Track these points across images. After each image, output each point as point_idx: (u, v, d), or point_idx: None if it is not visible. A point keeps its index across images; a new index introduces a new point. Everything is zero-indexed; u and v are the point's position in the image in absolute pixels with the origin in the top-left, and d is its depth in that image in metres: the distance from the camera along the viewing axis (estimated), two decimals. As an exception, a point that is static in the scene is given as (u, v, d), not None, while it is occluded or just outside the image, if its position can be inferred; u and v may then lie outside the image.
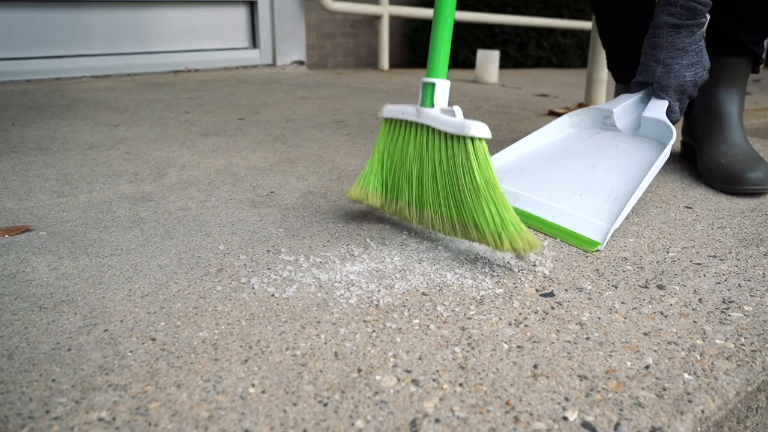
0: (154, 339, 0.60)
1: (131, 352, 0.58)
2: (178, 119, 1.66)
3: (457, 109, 0.79)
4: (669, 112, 1.03)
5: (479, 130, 0.75)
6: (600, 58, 1.80)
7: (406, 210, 0.86)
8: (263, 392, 0.53)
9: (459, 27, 4.58)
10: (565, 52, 4.74)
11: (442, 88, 0.82)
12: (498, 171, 1.06)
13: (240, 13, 2.91)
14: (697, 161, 1.17)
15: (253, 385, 0.54)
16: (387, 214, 0.92)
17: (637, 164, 0.97)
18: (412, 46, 5.00)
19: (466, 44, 4.57)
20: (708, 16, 1.00)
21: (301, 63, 3.05)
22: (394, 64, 4.79)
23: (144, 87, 2.25)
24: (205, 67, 2.79)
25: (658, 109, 1.03)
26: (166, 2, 2.69)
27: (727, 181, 1.07)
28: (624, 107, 1.08)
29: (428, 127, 0.82)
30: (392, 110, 0.87)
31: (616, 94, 1.37)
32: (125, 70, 2.58)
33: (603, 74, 1.82)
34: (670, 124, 0.99)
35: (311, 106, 1.92)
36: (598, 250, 0.83)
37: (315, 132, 1.53)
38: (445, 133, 0.79)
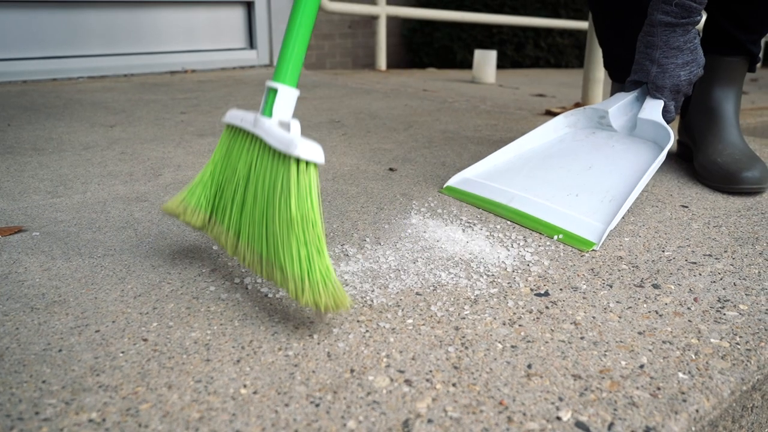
0: (146, 339, 0.60)
1: (123, 352, 0.58)
2: (174, 119, 1.66)
3: (294, 122, 0.64)
4: (664, 112, 1.03)
5: (309, 151, 0.61)
6: (597, 58, 1.80)
7: (223, 236, 0.72)
8: (255, 393, 0.52)
9: (457, 27, 4.58)
10: (563, 53, 4.74)
11: (286, 96, 0.68)
12: (494, 171, 1.06)
13: (237, 14, 2.91)
14: (694, 160, 1.17)
15: (244, 386, 0.53)
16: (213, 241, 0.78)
17: (633, 165, 0.96)
18: (409, 46, 5.00)
19: (464, 44, 4.57)
20: (704, 15, 0.99)
21: (298, 63, 3.05)
22: (392, 64, 4.79)
23: (141, 87, 2.24)
24: (203, 67, 2.79)
25: (653, 109, 1.03)
26: (163, 3, 2.68)
27: (723, 180, 1.07)
28: (619, 107, 1.08)
29: (260, 140, 0.68)
30: (233, 116, 0.73)
31: (612, 94, 1.37)
32: (122, 70, 2.58)
33: (600, 74, 1.82)
34: (668, 127, 0.98)
35: (308, 106, 1.92)
36: (593, 250, 0.83)
37: (311, 132, 1.53)
38: (274, 150, 0.65)
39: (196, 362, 0.57)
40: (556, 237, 0.86)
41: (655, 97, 1.04)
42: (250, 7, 2.92)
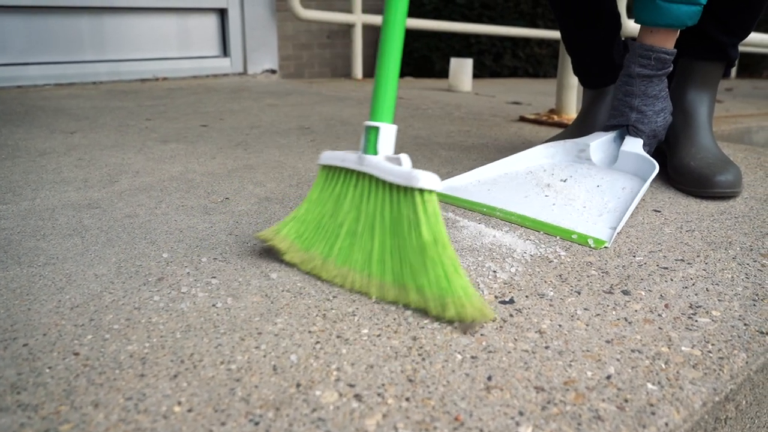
0: (77, 354, 0.55)
1: (49, 368, 0.53)
2: (138, 126, 1.61)
3: (404, 157, 0.70)
4: None
5: (428, 181, 0.66)
6: (570, 64, 1.78)
7: (315, 261, 0.73)
8: (189, 410, 0.48)
9: (435, 37, 4.57)
10: (541, 63, 4.75)
11: (387, 133, 0.72)
12: (479, 183, 1.04)
13: (210, 21, 2.87)
14: (667, 164, 1.15)
15: (179, 403, 0.49)
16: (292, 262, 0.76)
17: (620, 190, 0.96)
18: (388, 56, 4.98)
19: (442, 55, 4.56)
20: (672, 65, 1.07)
21: (272, 72, 3.01)
22: (370, 74, 4.76)
23: (108, 95, 2.19)
24: (174, 75, 2.74)
25: (635, 144, 1.04)
26: (133, 9, 2.63)
27: (696, 184, 1.04)
28: (600, 143, 1.07)
29: (370, 176, 0.72)
30: (331, 157, 0.76)
31: (584, 100, 1.34)
32: (90, 78, 2.52)
33: (573, 80, 1.80)
34: (652, 159, 0.98)
35: (278, 113, 1.88)
36: (605, 248, 0.82)
37: (279, 138, 1.49)
38: (390, 184, 0.69)
39: (129, 378, 0.52)
40: (560, 236, 0.85)
41: (635, 136, 1.06)
42: (223, 15, 2.88)
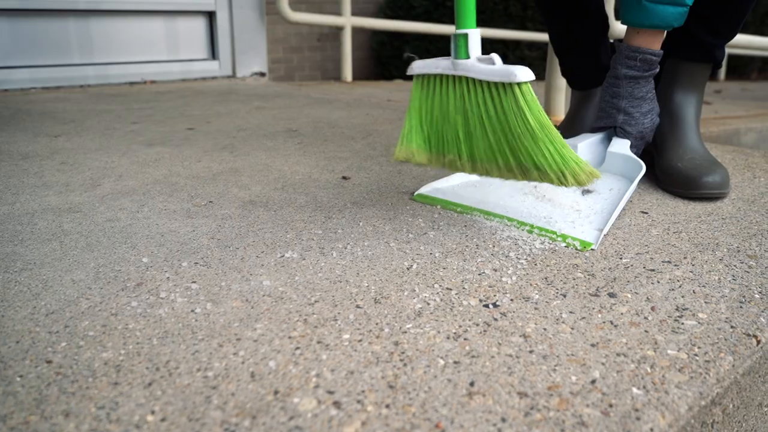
0: (50, 361, 0.54)
1: (21, 376, 0.52)
2: (124, 129, 1.59)
3: (495, 56, 0.77)
4: None
5: (524, 74, 0.75)
6: (558, 66, 1.78)
7: (456, 162, 0.86)
8: (163, 420, 0.47)
9: (425, 40, 4.57)
10: (531, 65, 4.73)
11: (475, 37, 0.80)
12: (468, 184, 1.03)
13: (198, 24, 2.85)
14: (654, 165, 1.14)
15: (152, 412, 0.48)
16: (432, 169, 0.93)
17: (608, 194, 0.95)
18: (378, 59, 4.98)
19: (432, 57, 4.55)
20: (659, 67, 1.06)
21: (261, 75, 3.00)
22: (360, 77, 4.75)
23: (95, 98, 2.17)
24: (163, 78, 2.72)
25: (622, 145, 1.04)
26: (121, 12, 2.61)
27: (683, 185, 1.04)
28: (587, 144, 1.07)
29: (467, 78, 0.80)
30: (424, 65, 0.84)
31: (572, 101, 1.34)
32: (78, 81, 2.50)
33: (561, 82, 1.79)
34: (639, 160, 0.98)
35: (266, 115, 1.86)
36: (592, 250, 0.81)
37: (266, 141, 1.47)
38: (488, 82, 0.78)
39: (102, 386, 0.51)
40: (549, 238, 0.84)
41: (622, 137, 1.06)
42: (211, 17, 2.86)
